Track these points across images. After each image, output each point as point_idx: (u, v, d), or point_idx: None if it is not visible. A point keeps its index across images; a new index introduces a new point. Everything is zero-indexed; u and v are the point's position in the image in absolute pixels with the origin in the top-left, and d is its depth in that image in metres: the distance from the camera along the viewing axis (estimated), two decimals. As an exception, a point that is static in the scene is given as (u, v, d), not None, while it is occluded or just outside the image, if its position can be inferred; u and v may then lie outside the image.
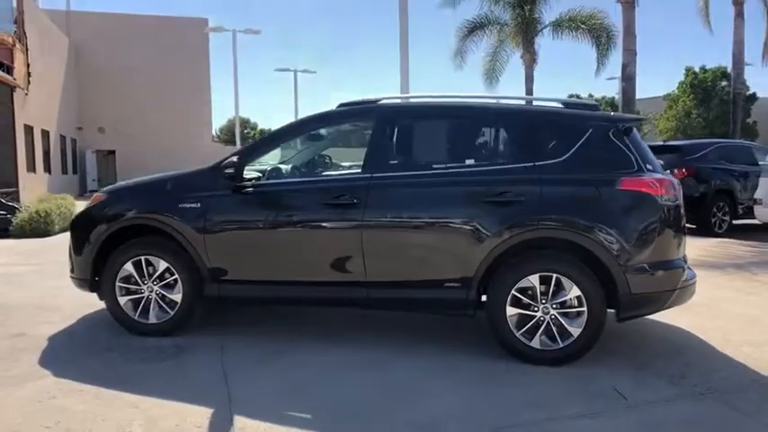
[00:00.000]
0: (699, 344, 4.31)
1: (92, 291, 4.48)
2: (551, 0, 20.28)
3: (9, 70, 16.27)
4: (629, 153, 3.87)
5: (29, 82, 18.21)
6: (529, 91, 20.54)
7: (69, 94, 26.78)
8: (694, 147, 11.43)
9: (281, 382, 3.56)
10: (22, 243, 10.00)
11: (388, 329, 4.61)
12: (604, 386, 3.47)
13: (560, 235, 3.79)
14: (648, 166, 3.88)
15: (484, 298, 3.95)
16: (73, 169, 27.55)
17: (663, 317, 4.49)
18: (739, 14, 21.40)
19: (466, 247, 3.84)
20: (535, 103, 4.90)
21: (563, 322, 3.73)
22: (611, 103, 36.86)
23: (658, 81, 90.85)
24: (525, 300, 3.77)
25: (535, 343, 3.76)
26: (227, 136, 50.51)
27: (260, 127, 59.92)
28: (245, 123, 52.36)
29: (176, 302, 4.29)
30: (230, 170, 4.15)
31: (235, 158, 4.19)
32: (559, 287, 3.74)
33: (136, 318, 4.34)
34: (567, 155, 3.90)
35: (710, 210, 10.54)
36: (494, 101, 4.80)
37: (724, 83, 30.36)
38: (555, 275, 3.72)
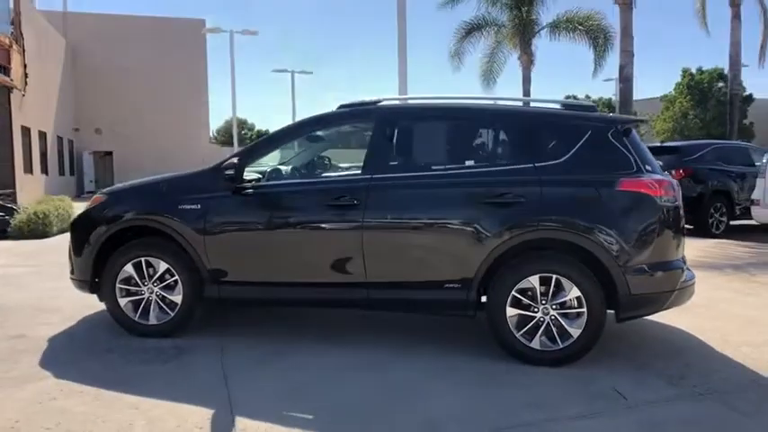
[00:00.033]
0: (698, 344, 4.33)
1: (92, 292, 4.48)
2: (549, 1, 20.43)
3: (6, 71, 16.22)
4: (628, 154, 3.89)
5: (26, 83, 18.15)
6: (526, 92, 20.58)
7: (66, 96, 26.71)
8: (691, 148, 11.46)
9: (282, 383, 3.56)
10: (21, 244, 9.98)
11: (387, 330, 4.62)
12: (604, 387, 3.49)
13: (560, 236, 3.81)
14: (648, 167, 3.90)
15: (484, 299, 3.96)
16: (70, 170, 27.51)
17: (662, 317, 4.51)
18: (736, 16, 21.50)
19: (466, 248, 3.85)
20: (533, 104, 4.91)
21: (563, 323, 3.74)
22: (609, 105, 36.88)
23: (655, 82, 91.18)
24: (525, 300, 3.78)
25: (535, 344, 3.77)
26: (224, 137, 50.38)
27: (257, 128, 59.72)
28: (242, 124, 52.31)
29: (176, 304, 4.29)
30: (230, 171, 4.15)
31: (235, 160, 4.19)
32: (559, 288, 3.75)
33: (136, 319, 4.34)
34: (567, 156, 3.91)
35: (708, 211, 10.58)
36: (492, 102, 4.80)
37: (721, 84, 30.38)
38: (555, 276, 3.73)
